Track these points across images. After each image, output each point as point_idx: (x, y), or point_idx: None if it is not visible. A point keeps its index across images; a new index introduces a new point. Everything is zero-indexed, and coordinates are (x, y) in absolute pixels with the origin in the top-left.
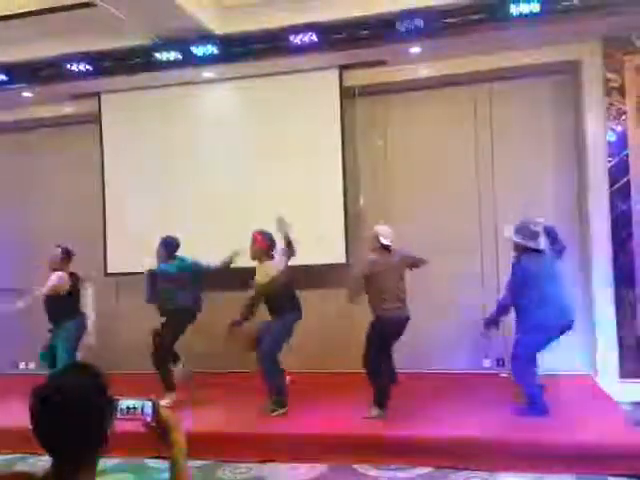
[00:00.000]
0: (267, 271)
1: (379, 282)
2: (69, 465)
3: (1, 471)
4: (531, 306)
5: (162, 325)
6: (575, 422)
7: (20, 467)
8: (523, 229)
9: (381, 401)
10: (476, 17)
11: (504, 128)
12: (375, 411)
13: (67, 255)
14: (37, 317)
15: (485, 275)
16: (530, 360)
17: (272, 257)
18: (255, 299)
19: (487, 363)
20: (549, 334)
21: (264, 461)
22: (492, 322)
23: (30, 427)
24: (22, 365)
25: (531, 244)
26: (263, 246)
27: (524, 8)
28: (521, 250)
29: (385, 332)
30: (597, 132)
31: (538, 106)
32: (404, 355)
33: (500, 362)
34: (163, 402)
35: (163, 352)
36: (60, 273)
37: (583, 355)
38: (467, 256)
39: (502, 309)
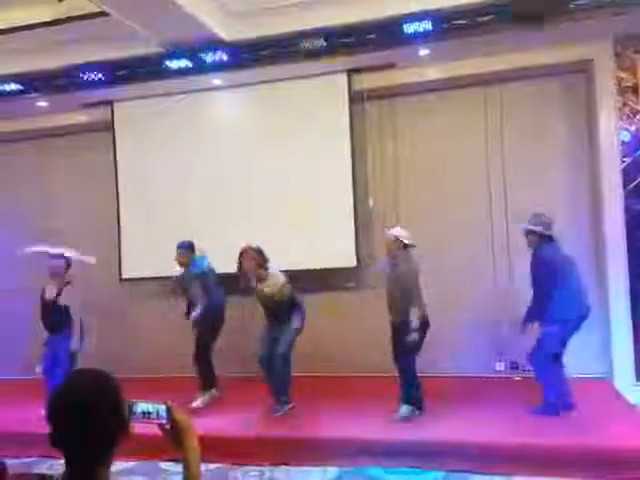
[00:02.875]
0: (274, 281)
1: (419, 282)
2: (83, 468)
3: (19, 474)
4: (555, 295)
5: (200, 324)
6: (592, 426)
7: (37, 470)
8: (538, 218)
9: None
10: (485, 19)
11: (515, 130)
12: (407, 409)
13: (68, 265)
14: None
15: (497, 277)
16: (555, 356)
17: (267, 271)
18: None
19: (500, 366)
20: (573, 325)
21: (276, 464)
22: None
23: (46, 431)
24: (38, 369)
25: (549, 232)
26: (258, 260)
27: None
28: (537, 240)
29: (423, 333)
30: (610, 132)
31: (549, 107)
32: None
33: (514, 365)
34: (196, 403)
35: (203, 350)
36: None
37: (599, 358)
38: (478, 258)
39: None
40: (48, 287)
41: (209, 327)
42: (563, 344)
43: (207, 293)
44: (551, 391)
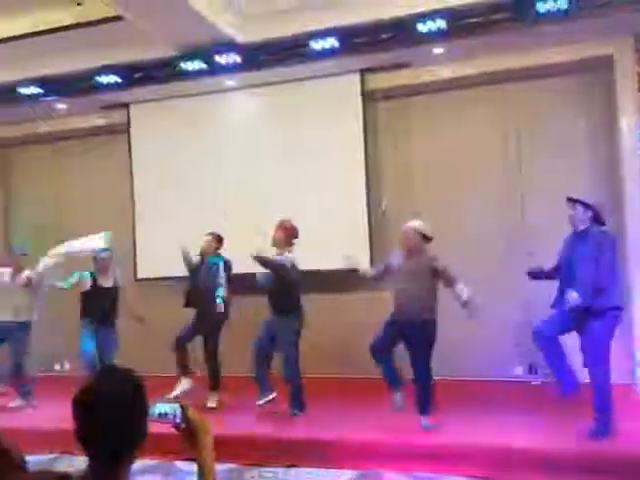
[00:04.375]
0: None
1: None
2: (105, 466)
3: (38, 471)
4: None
5: (210, 323)
6: (620, 433)
7: (56, 467)
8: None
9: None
10: (500, 16)
11: (532, 128)
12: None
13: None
14: (71, 319)
15: (514, 279)
16: (608, 355)
17: (290, 250)
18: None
19: (519, 370)
20: (620, 317)
21: (290, 466)
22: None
23: (69, 428)
24: (57, 366)
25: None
26: (288, 235)
27: (551, 5)
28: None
29: (435, 336)
30: (631, 130)
31: (568, 105)
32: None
33: (533, 369)
34: (211, 404)
35: (214, 349)
36: None
37: (622, 363)
38: (496, 259)
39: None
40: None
41: (219, 325)
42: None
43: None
44: (607, 404)
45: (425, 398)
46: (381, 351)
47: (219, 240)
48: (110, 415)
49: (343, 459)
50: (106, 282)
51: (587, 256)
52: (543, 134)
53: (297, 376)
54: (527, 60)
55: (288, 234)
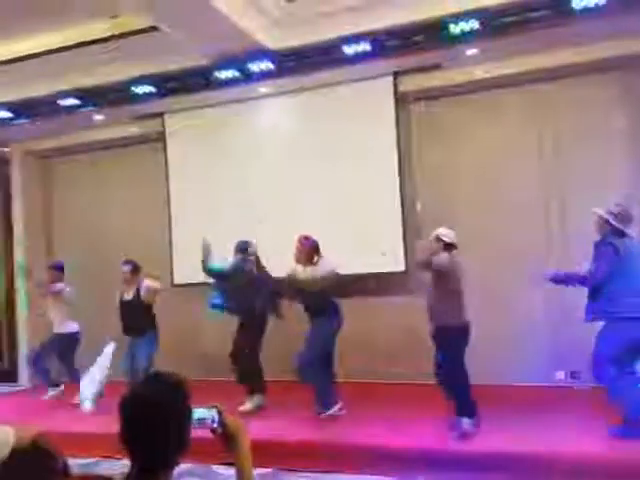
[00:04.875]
0: (313, 272)
1: (457, 284)
2: (149, 470)
3: (80, 475)
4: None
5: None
6: None
7: (97, 471)
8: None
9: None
10: (535, 15)
11: (569, 129)
12: (467, 422)
13: (136, 269)
14: (108, 323)
15: (552, 287)
16: None
17: (315, 262)
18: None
19: (560, 375)
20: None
21: (328, 471)
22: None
23: (111, 432)
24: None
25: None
26: (310, 250)
27: (589, 1)
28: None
29: (465, 339)
30: None
31: (606, 104)
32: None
33: (575, 375)
34: (243, 407)
35: (251, 353)
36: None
37: None
38: (533, 260)
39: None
40: (125, 290)
41: (257, 329)
42: None
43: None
44: (633, 407)
45: (460, 401)
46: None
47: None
48: (155, 420)
49: (380, 465)
50: (127, 295)
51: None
52: (582, 134)
53: (319, 375)
54: (562, 58)
55: (310, 252)
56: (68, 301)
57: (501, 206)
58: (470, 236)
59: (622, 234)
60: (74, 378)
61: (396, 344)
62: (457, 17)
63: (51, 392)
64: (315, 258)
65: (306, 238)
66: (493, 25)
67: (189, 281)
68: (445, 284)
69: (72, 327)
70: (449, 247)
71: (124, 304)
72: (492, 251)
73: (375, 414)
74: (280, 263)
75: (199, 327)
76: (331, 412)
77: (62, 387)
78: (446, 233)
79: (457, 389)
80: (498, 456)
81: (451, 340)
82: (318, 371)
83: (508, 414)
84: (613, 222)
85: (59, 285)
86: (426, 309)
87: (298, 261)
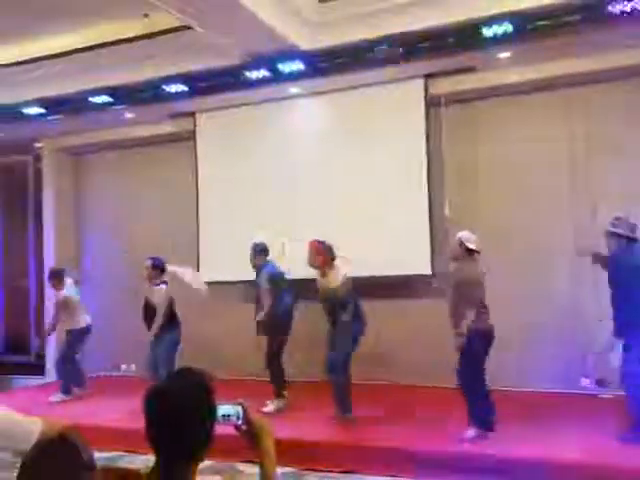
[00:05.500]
0: (334, 277)
1: (480, 291)
2: (173, 465)
3: (106, 466)
4: None
5: (268, 328)
6: None
7: (119, 465)
8: (621, 221)
9: (480, 419)
10: (570, 18)
11: (602, 135)
12: (473, 432)
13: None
14: (135, 321)
15: (580, 291)
16: None
17: (333, 266)
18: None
19: (586, 382)
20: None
21: (349, 472)
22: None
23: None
24: (124, 367)
25: (634, 235)
26: (325, 254)
27: (626, 6)
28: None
29: (486, 345)
30: None
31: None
32: (491, 372)
33: (601, 382)
34: (267, 408)
35: (273, 355)
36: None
37: None
38: (564, 267)
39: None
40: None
41: (277, 331)
42: None
43: (273, 296)
44: None
45: (470, 409)
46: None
47: (263, 252)
48: (180, 415)
49: (402, 466)
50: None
51: None
52: (615, 139)
53: (345, 378)
54: (596, 63)
55: (325, 255)
56: (68, 302)
57: (530, 210)
58: (498, 239)
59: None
60: (75, 379)
61: (418, 347)
62: (491, 20)
63: (60, 396)
64: (332, 262)
65: (320, 242)
66: (527, 28)
67: (216, 279)
68: (472, 291)
69: (77, 323)
70: (471, 252)
71: (146, 300)
72: (520, 254)
73: (396, 416)
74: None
75: (225, 325)
76: (350, 416)
77: (71, 396)
78: (468, 238)
79: (470, 396)
80: (518, 462)
81: (473, 345)
82: (346, 374)
83: (528, 420)
84: (629, 234)
85: (59, 294)
86: (450, 313)
87: (315, 266)
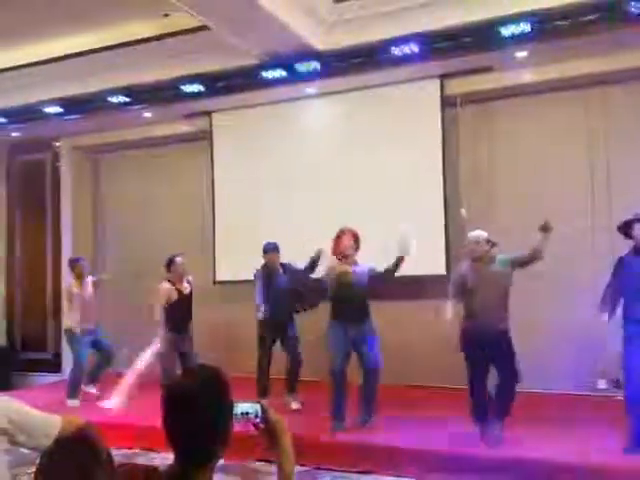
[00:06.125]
0: (362, 270)
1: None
2: (191, 463)
3: (124, 463)
4: None
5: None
6: None
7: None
8: None
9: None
10: (589, 18)
11: (621, 136)
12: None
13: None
14: (148, 322)
15: (598, 286)
16: None
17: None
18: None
19: (602, 384)
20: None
21: (365, 472)
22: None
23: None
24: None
25: None
26: (355, 245)
27: None
28: None
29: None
30: None
31: None
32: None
33: (618, 383)
34: (293, 405)
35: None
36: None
37: None
38: (580, 268)
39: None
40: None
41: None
42: None
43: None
44: None
45: (507, 404)
46: (481, 390)
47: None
48: (198, 413)
49: (417, 468)
50: (184, 289)
51: None
52: (634, 140)
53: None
54: (614, 62)
55: (357, 242)
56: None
57: (548, 211)
58: (514, 239)
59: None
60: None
61: (432, 348)
62: (508, 20)
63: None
64: (358, 249)
65: (355, 232)
66: (545, 28)
67: (231, 278)
68: (503, 288)
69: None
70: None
71: (183, 297)
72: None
73: (413, 417)
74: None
75: (240, 324)
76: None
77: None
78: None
79: (510, 392)
80: (530, 463)
81: (511, 343)
82: None
83: (544, 422)
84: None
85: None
86: (478, 313)
87: (348, 256)
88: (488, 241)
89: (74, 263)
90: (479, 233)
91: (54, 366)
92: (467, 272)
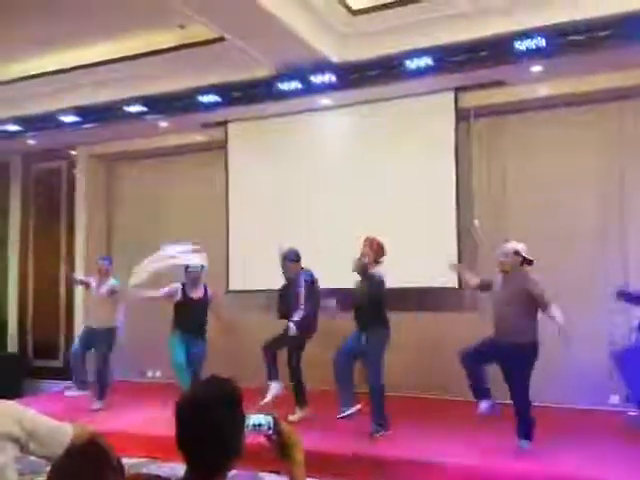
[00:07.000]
0: (371, 276)
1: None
2: (203, 474)
3: (135, 472)
4: None
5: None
6: None
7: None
8: None
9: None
10: (603, 34)
11: (636, 152)
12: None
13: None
14: (164, 328)
15: (611, 305)
16: None
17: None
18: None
19: (615, 400)
20: None
21: None
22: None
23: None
24: (149, 373)
25: None
26: (376, 252)
27: None
28: None
29: (536, 357)
30: None
31: None
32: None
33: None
34: (293, 417)
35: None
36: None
37: None
38: (593, 283)
39: None
40: (192, 289)
41: (299, 342)
42: None
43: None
44: None
45: (522, 421)
46: (471, 358)
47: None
48: (211, 424)
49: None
50: (196, 294)
51: None
52: None
53: (383, 391)
54: (630, 78)
55: (376, 251)
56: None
57: (561, 225)
58: (528, 254)
59: None
60: (101, 379)
61: (445, 359)
62: (524, 34)
63: (73, 392)
64: (379, 264)
65: (378, 242)
66: (560, 43)
67: (243, 288)
68: (531, 301)
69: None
70: (527, 263)
71: (191, 302)
72: (550, 269)
73: (424, 429)
74: (336, 272)
75: (252, 333)
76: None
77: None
78: (523, 248)
79: (522, 409)
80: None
81: (524, 358)
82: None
83: (559, 438)
84: None
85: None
86: (496, 325)
87: (364, 254)
88: (516, 253)
89: (98, 260)
90: (511, 246)
91: (65, 373)
92: (496, 279)
